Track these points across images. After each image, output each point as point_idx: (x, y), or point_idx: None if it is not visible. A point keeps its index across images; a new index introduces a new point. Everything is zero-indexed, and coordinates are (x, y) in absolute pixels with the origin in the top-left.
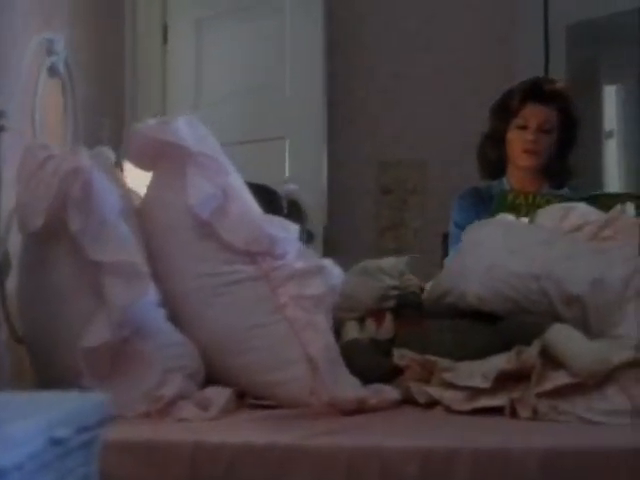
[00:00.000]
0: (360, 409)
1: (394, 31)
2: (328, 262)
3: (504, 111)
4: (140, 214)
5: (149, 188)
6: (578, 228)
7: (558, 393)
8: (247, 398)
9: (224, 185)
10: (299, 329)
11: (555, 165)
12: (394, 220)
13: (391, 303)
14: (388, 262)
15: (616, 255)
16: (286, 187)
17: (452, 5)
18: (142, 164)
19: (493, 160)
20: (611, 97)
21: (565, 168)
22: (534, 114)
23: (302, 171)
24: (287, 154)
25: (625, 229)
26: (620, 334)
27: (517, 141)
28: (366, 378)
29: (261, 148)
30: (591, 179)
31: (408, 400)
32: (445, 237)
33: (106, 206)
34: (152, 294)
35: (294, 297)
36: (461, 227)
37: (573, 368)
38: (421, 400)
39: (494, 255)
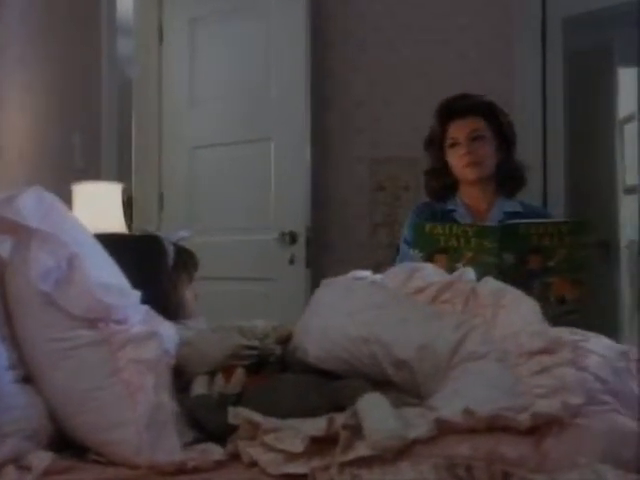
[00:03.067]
0: (182, 470)
1: (383, 28)
2: (166, 326)
3: (433, 139)
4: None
5: (9, 256)
6: (420, 290)
7: (363, 462)
8: (91, 455)
9: (69, 256)
10: (132, 391)
11: (503, 171)
12: (387, 217)
13: (245, 361)
14: (253, 324)
15: (448, 320)
16: (175, 234)
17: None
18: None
19: (439, 189)
20: (631, 79)
21: (514, 173)
22: (459, 129)
23: (287, 172)
24: (272, 155)
25: (462, 293)
26: (434, 405)
27: (455, 159)
28: (209, 434)
29: (247, 149)
30: (604, 168)
31: (239, 458)
32: None
33: None
34: (1, 358)
35: (131, 360)
36: (410, 244)
37: (369, 440)
38: (245, 460)
39: (331, 316)
